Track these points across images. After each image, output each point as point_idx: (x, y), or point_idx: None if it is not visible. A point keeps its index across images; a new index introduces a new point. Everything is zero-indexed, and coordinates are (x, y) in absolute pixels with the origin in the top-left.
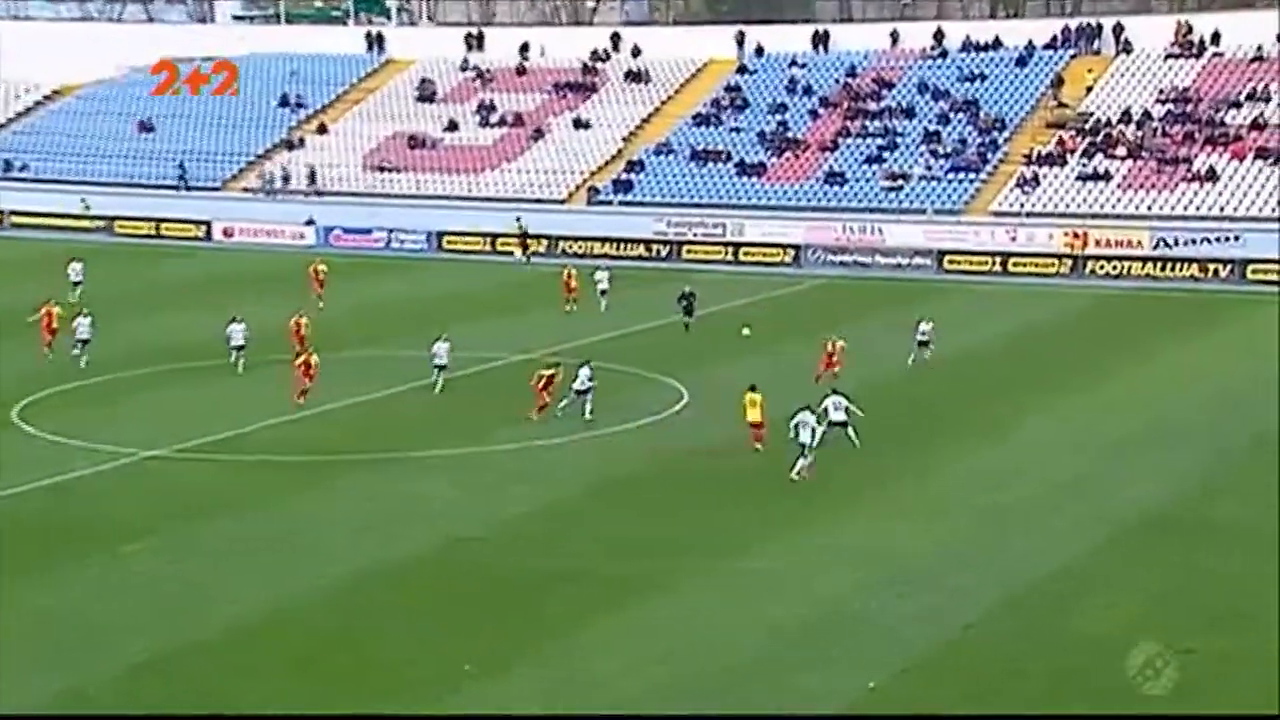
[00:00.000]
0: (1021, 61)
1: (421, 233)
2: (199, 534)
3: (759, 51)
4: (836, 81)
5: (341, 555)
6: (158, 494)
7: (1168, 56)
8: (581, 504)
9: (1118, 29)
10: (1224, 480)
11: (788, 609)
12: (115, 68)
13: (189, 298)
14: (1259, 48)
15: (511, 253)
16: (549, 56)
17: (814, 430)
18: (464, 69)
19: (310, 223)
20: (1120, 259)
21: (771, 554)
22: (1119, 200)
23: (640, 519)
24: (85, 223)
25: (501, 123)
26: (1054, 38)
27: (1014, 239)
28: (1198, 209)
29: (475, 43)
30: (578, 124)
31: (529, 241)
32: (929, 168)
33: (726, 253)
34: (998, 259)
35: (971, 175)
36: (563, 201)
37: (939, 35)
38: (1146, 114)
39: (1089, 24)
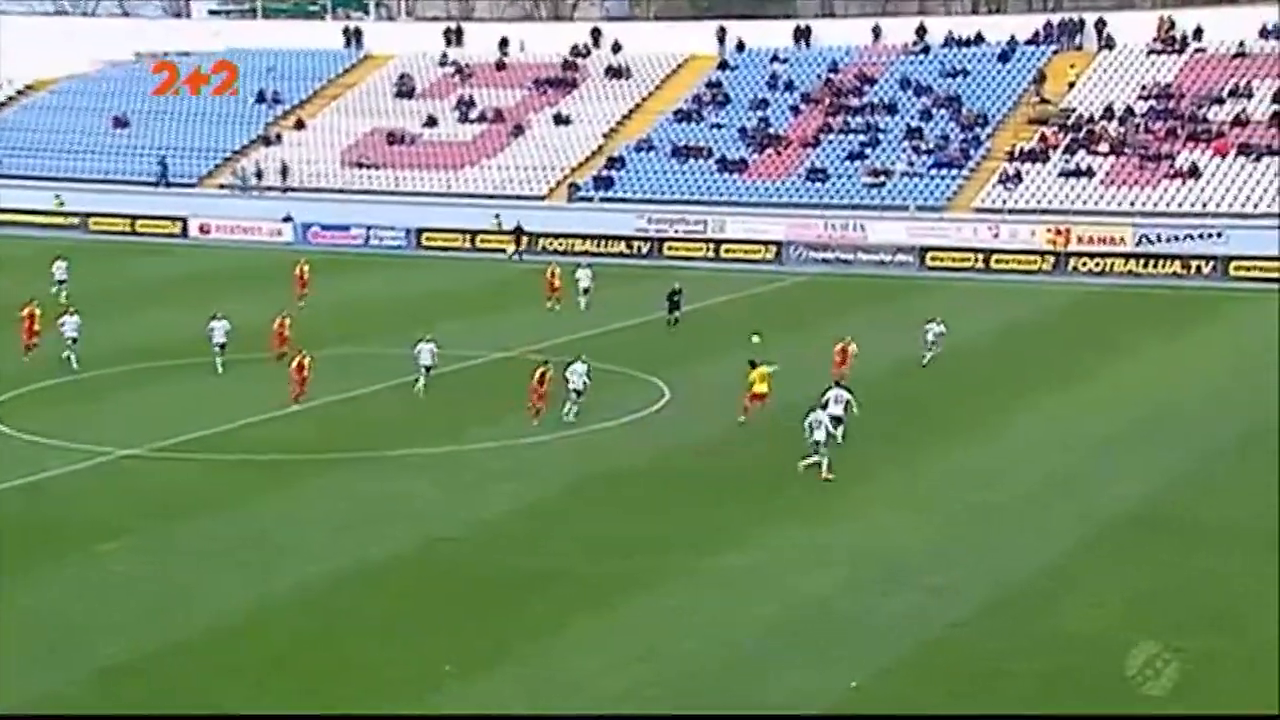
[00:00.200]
0: (1004, 57)
1: (400, 230)
2: (176, 534)
3: (740, 47)
4: (818, 77)
5: (320, 555)
6: (134, 493)
7: (1150, 52)
8: (562, 503)
9: (1100, 24)
10: (1209, 478)
11: (771, 607)
12: (90, 62)
13: (166, 295)
14: (1241, 43)
15: (503, 249)
16: (529, 52)
17: (828, 429)
18: (443, 64)
19: (288, 219)
20: (1103, 256)
21: (754, 552)
22: (1101, 197)
23: (622, 517)
24: (59, 219)
25: (481, 119)
26: (1036, 33)
27: (996, 236)
28: (1180, 205)
29: (454, 38)
30: (558, 120)
31: (522, 239)
32: (911, 164)
33: (708, 250)
34: (980, 256)
35: (954, 172)
36: (543, 198)
37: (921, 31)
38: (1129, 110)
39: (1071, 19)
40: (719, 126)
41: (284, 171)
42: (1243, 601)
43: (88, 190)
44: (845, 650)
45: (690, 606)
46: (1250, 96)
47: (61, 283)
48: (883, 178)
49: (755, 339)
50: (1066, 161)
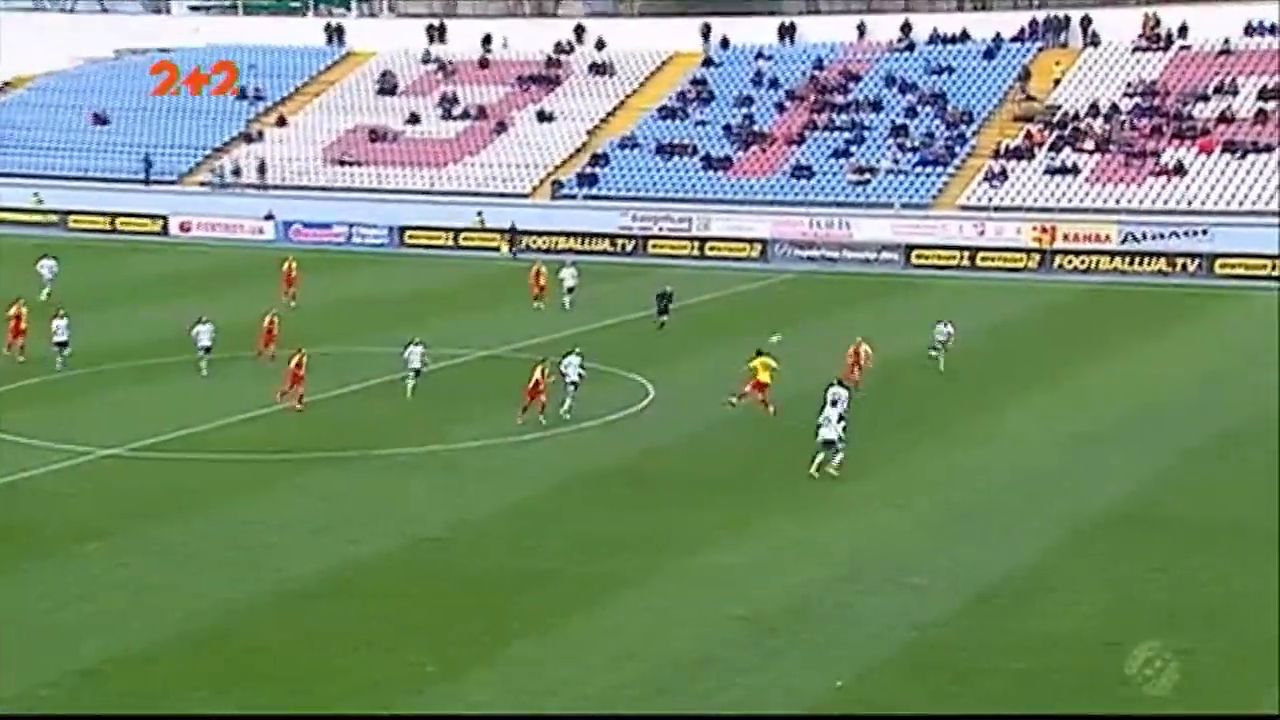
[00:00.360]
0: (989, 54)
1: (383, 227)
2: (157, 534)
3: (724, 44)
4: (803, 74)
5: (303, 555)
6: (115, 493)
7: (1135, 49)
8: (547, 502)
9: (1085, 21)
10: (1191, 478)
11: (754, 606)
12: (69, 59)
13: (147, 294)
14: (1226, 40)
15: (486, 247)
16: (512, 48)
17: (838, 431)
18: (426, 61)
19: (269, 217)
20: (1088, 253)
21: (737, 552)
22: (1087, 194)
23: (606, 517)
24: (38, 217)
25: (464, 116)
26: (1021, 30)
27: (982, 233)
28: (1165, 203)
29: (437, 34)
30: (541, 117)
31: (517, 237)
32: (896, 161)
33: (693, 247)
34: (966, 253)
35: (939, 169)
36: (526, 196)
37: (906, 28)
38: (1114, 107)
39: (1056, 16)
40: (703, 124)
41: (262, 169)
42: (1219, 601)
43: (67, 188)
44: (828, 650)
45: (674, 606)
46: (1235, 93)
47: (49, 282)
48: (868, 175)
49: (775, 338)
50: (1052, 159)
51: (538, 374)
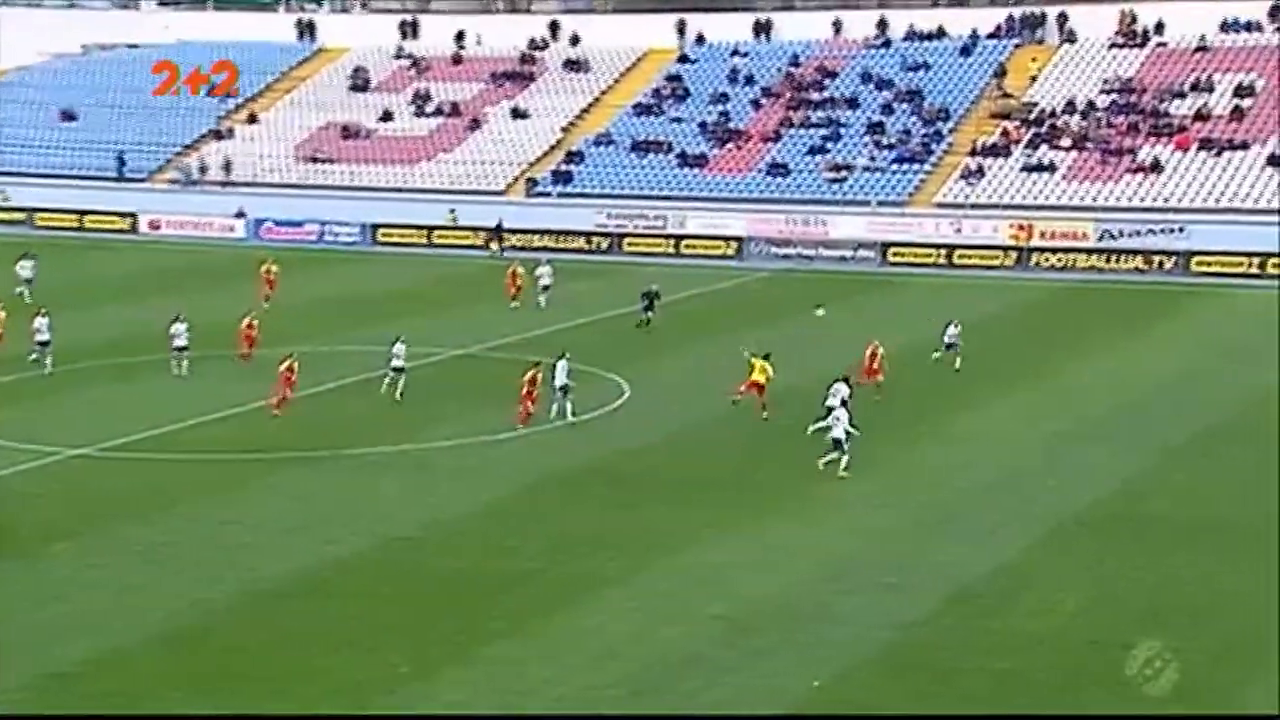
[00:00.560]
0: (965, 51)
1: (355, 225)
2: (127, 535)
3: (700, 40)
4: (779, 71)
5: (275, 555)
6: (85, 494)
7: (1111, 46)
8: (521, 502)
9: (1061, 18)
10: (1168, 477)
11: (730, 606)
12: (36, 54)
13: (117, 292)
14: (1202, 37)
15: (485, 246)
16: (486, 45)
17: (846, 427)
18: (398, 57)
19: (240, 215)
20: (1065, 251)
21: (713, 551)
22: (1064, 191)
23: (584, 516)
24: (4, 215)
25: (437, 112)
26: (998, 27)
27: (959, 231)
28: (1142, 200)
29: (410, 30)
30: (516, 114)
31: (503, 236)
32: (873, 159)
33: (668, 245)
34: (942, 251)
35: (915, 166)
36: (501, 193)
37: (882, 24)
38: (1091, 104)
39: (1033, 13)
40: (679, 121)
41: (227, 166)
42: (1196, 600)
43: (34, 185)
44: (810, 649)
45: (650, 606)
46: (1211, 90)
47: (28, 281)
48: (844, 172)
49: (820, 311)
50: (1028, 156)
51: (528, 377)
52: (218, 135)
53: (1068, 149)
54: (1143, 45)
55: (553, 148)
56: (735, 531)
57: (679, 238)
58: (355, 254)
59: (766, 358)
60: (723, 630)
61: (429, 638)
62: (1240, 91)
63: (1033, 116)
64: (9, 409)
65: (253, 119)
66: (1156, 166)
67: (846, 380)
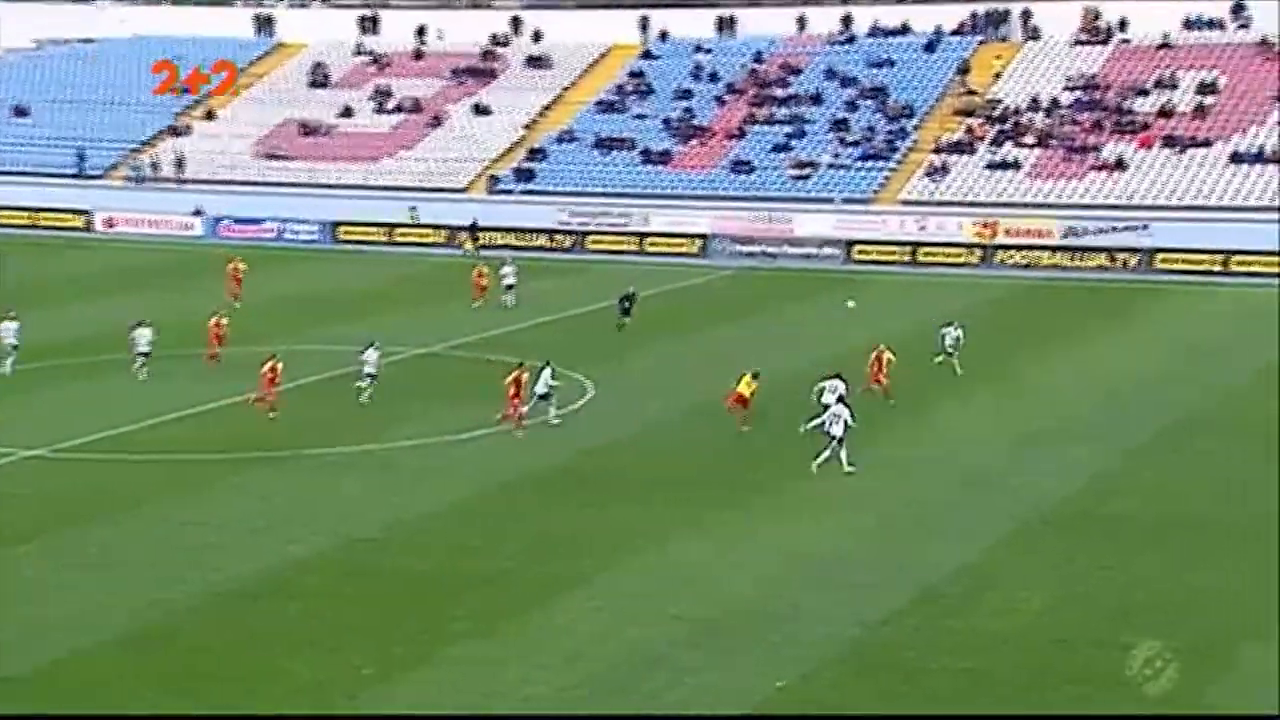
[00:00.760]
0: (930, 47)
1: (315, 223)
2: (83, 538)
3: (663, 36)
4: (743, 67)
5: (238, 557)
6: (43, 496)
7: (1075, 43)
8: (484, 502)
9: (1025, 15)
10: (1135, 474)
11: (696, 607)
12: None
13: (73, 291)
14: (1166, 35)
15: (460, 245)
16: (447, 40)
17: (846, 422)
18: (358, 53)
19: (198, 213)
20: (1030, 248)
21: (678, 551)
22: (1028, 189)
23: (545, 517)
24: None
25: (398, 109)
26: (962, 24)
27: (923, 228)
28: (1106, 198)
29: (370, 25)
30: (477, 110)
31: (478, 235)
32: (837, 156)
33: (632, 243)
34: (907, 249)
35: (880, 164)
36: (462, 190)
37: (846, 20)
38: (1055, 101)
39: (997, 10)
40: (642, 117)
41: (180, 163)
42: (1161, 598)
43: None
44: (777, 649)
45: (616, 606)
46: (1175, 88)
47: None
48: (808, 170)
49: (850, 303)
50: (993, 153)
51: (512, 378)
52: (175, 132)
53: (1032, 146)
54: (1106, 42)
55: (515, 145)
56: (702, 530)
57: (643, 235)
58: (315, 252)
59: (755, 376)
60: (689, 630)
61: (394, 638)
62: (1203, 89)
63: (997, 113)
64: None
65: (210, 115)
66: (1120, 164)
67: (840, 375)
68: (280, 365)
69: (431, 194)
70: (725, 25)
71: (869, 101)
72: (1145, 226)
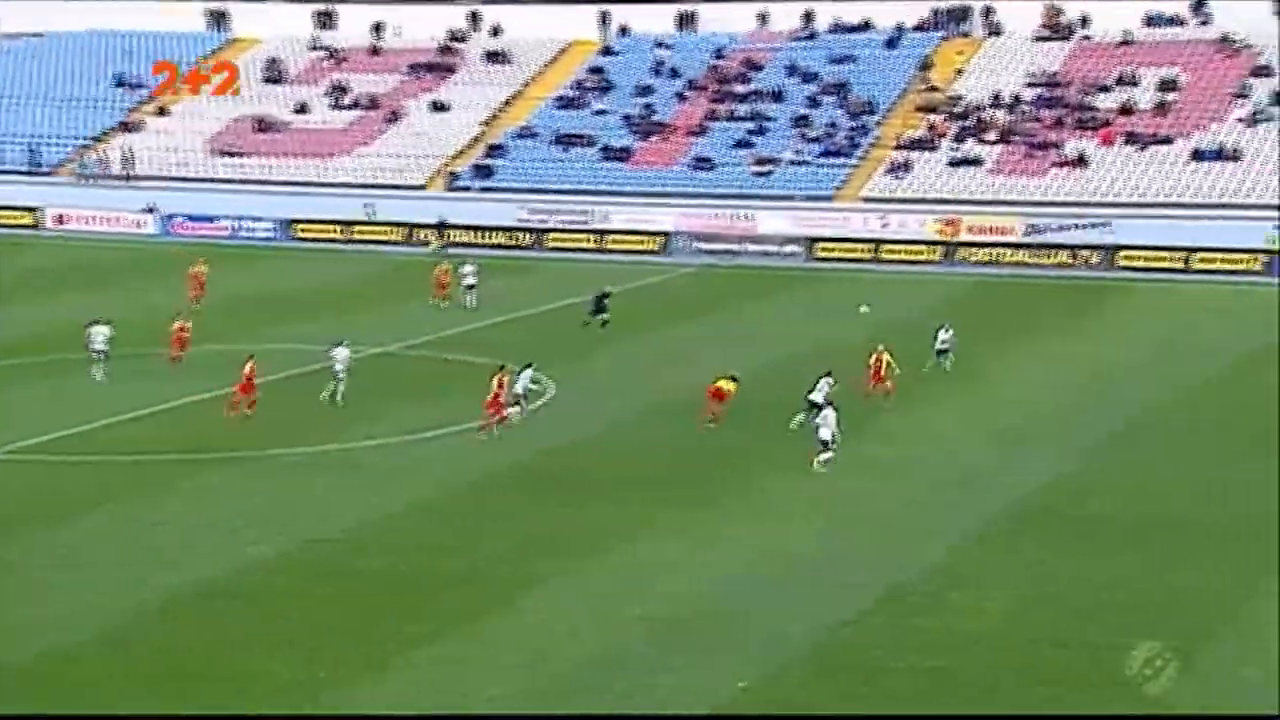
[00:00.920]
0: (891, 43)
1: (270, 221)
2: (51, 540)
3: (623, 32)
4: (703, 63)
5: (203, 559)
6: (3, 498)
7: (1037, 39)
8: (444, 503)
9: (987, 11)
10: (1095, 473)
11: (661, 606)
12: None
13: (23, 290)
14: (1127, 31)
15: (429, 243)
16: (404, 35)
17: (833, 428)
18: (314, 48)
19: (150, 210)
20: (992, 245)
21: (641, 551)
22: (990, 186)
23: (506, 517)
24: None
25: (355, 105)
26: (924, 20)
27: (886, 226)
28: (1068, 195)
29: (326, 20)
30: (435, 106)
31: (445, 233)
32: (798, 152)
33: (592, 240)
34: (869, 246)
35: (842, 160)
36: (421, 188)
37: (808, 16)
38: (1016, 98)
39: (958, 6)
40: (602, 113)
41: (128, 159)
42: (1128, 596)
43: None
44: (734, 650)
45: (581, 607)
46: (1136, 84)
47: None
48: (770, 166)
49: (864, 309)
50: (955, 150)
51: (495, 384)
52: (126, 128)
53: (994, 143)
54: (1068, 39)
55: (473, 141)
56: (667, 530)
57: (603, 233)
58: (271, 250)
59: (734, 379)
60: (654, 630)
61: (362, 639)
62: (1165, 86)
63: (959, 110)
64: None
65: (163, 111)
66: (1082, 161)
67: (830, 374)
68: (255, 365)
69: (389, 191)
70: (686, 21)
71: (831, 98)
72: (1107, 224)
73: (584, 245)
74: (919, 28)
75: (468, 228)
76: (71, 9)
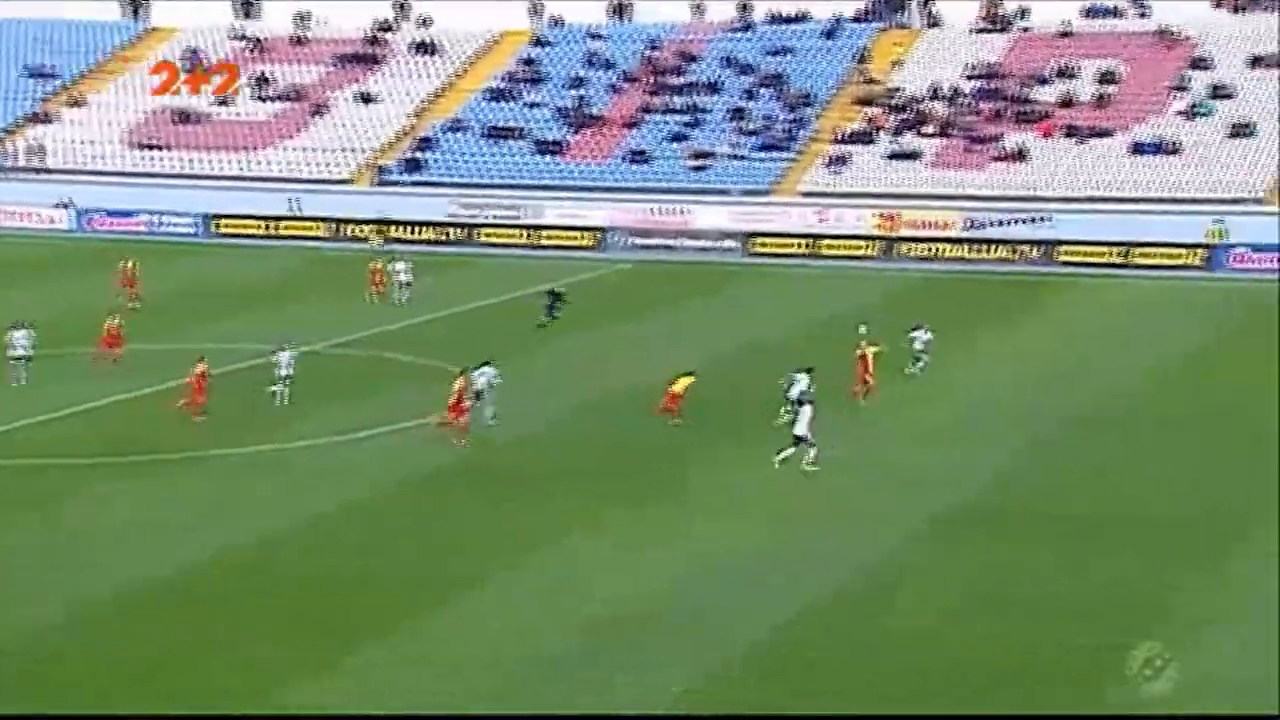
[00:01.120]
0: (829, 34)
1: (191, 216)
2: None
3: (556, 22)
4: (637, 55)
5: (136, 562)
6: None
7: (976, 31)
8: (380, 503)
9: (925, 2)
10: (1037, 469)
11: (599, 608)
12: None
13: None
14: (1066, 23)
15: (368, 239)
16: (330, 25)
17: (807, 424)
18: (236, 38)
19: (65, 205)
20: (932, 240)
21: (583, 550)
22: (929, 179)
23: (445, 516)
24: None
25: (279, 97)
26: (861, 11)
27: (823, 220)
28: (1007, 189)
29: (247, 9)
30: (362, 99)
31: (385, 229)
32: (735, 146)
33: (524, 236)
34: (807, 241)
35: (779, 154)
36: (347, 182)
37: (744, 7)
38: (956, 90)
39: None
40: (534, 106)
41: (40, 152)
42: (1070, 591)
43: None
44: (673, 653)
45: (513, 610)
46: (1075, 77)
47: None
48: (706, 160)
49: (862, 329)
50: (893, 143)
51: (457, 385)
52: (38, 119)
53: (933, 136)
54: (1007, 30)
55: (402, 134)
56: (605, 529)
57: (535, 228)
58: (192, 246)
59: (690, 373)
60: (592, 633)
61: (298, 642)
62: (1104, 78)
63: (897, 102)
64: None
65: (77, 103)
66: (1022, 154)
67: (809, 371)
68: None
69: (315, 185)
70: (620, 11)
71: (767, 90)
72: (1046, 218)
73: (517, 241)
74: (857, 19)
75: (397, 223)
76: None
